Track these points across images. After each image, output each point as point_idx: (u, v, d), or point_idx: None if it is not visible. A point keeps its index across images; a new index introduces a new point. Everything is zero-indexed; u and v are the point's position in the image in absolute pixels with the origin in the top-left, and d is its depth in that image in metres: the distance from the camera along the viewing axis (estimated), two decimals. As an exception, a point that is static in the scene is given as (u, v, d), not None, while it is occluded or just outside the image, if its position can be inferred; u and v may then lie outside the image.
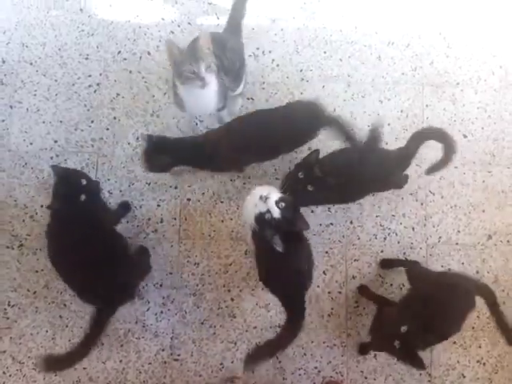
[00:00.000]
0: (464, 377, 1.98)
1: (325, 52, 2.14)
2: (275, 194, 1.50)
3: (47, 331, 1.91)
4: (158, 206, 2.01)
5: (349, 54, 2.14)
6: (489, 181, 2.10)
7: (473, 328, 2.00)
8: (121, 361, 1.92)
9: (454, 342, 1.98)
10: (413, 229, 2.04)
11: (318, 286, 1.99)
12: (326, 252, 2.01)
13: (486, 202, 2.08)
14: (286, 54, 2.13)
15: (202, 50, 1.60)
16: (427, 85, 2.15)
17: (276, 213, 1.46)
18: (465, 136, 2.12)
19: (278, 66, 2.11)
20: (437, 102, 2.14)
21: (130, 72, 2.07)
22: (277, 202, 1.48)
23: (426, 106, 2.13)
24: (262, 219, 1.48)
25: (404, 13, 2.19)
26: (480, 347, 1.99)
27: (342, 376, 1.95)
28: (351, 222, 2.04)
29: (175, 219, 2.00)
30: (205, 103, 1.73)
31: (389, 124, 2.11)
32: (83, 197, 1.61)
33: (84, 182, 1.65)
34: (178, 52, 1.60)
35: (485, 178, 2.10)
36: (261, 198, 1.48)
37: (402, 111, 2.13)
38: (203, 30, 1.65)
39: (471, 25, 2.20)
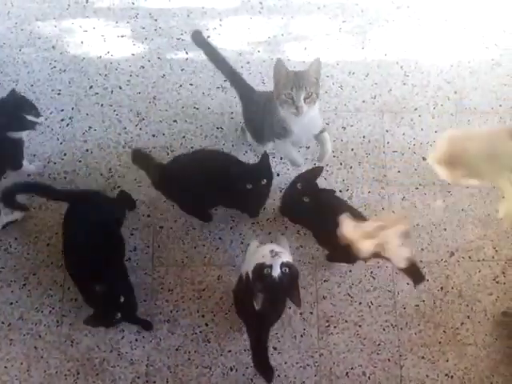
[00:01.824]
0: (433, 391, 2.04)
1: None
2: (286, 257, 1.50)
3: (22, 363, 1.92)
4: (132, 234, 2.06)
5: (313, 84, 2.26)
6: (449, 200, 2.21)
7: (439, 343, 2.07)
8: (97, 391, 1.94)
9: (423, 357, 2.05)
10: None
11: (290, 308, 2.04)
12: (297, 274, 2.08)
13: (446, 220, 2.19)
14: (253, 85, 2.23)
15: (309, 78, 1.59)
16: (387, 111, 2.27)
17: (276, 272, 1.45)
18: (424, 159, 2.23)
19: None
20: (396, 128, 2.26)
21: (102, 105, 2.15)
22: (282, 264, 1.47)
23: (386, 131, 2.25)
24: (260, 270, 1.47)
25: (362, 44, 2.33)
26: (447, 361, 2.06)
27: (315, 396, 2.00)
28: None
29: (148, 247, 2.05)
30: (312, 124, 1.74)
31: (352, 149, 2.22)
32: None
33: None
34: (284, 73, 1.60)
35: (445, 197, 2.21)
36: (271, 251, 1.48)
37: (364, 137, 2.24)
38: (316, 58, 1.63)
39: (425, 53, 2.35)
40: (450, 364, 2.06)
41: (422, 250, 2.15)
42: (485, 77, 2.35)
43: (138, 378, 1.95)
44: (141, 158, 1.84)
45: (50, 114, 2.13)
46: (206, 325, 2.01)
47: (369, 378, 2.02)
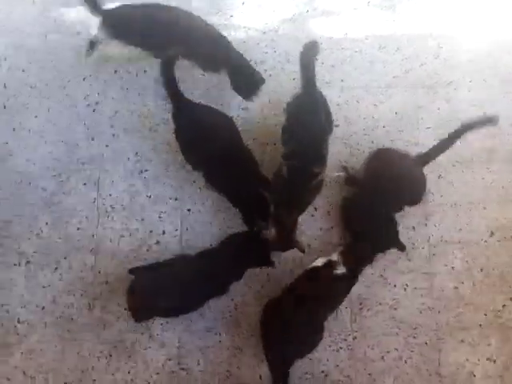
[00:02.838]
0: (474, 375, 1.95)
1: (316, 59, 2.17)
2: None
3: (56, 346, 1.95)
4: (159, 217, 2.05)
5: (340, 61, 2.18)
6: (488, 177, 2.09)
7: (480, 325, 1.98)
8: (129, 372, 1.94)
9: (462, 341, 1.96)
10: (413, 228, 2.04)
11: (322, 290, 2.00)
12: (328, 256, 2.03)
13: (486, 198, 2.07)
14: (277, 64, 2.17)
15: None
16: (420, 86, 2.17)
17: None
18: (461, 134, 2.12)
19: (270, 75, 2.15)
20: (430, 103, 2.16)
21: (127, 89, 2.14)
22: None
23: (419, 107, 2.15)
24: None
25: (392, 17, 2.23)
26: (489, 345, 1.97)
27: (350, 380, 1.94)
28: (349, 226, 2.05)
29: (177, 230, 2.04)
30: None
31: (384, 126, 2.13)
32: None
33: None
34: None
35: (484, 174, 2.10)
36: None
37: (396, 113, 2.15)
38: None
39: (460, 25, 2.23)
40: (493, 348, 1.97)
41: (461, 229, 2.05)
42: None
43: (170, 359, 1.95)
44: None
45: (77, 100, 2.13)
46: (235, 308, 1.98)
47: (405, 362, 1.95)
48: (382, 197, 1.86)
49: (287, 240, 1.86)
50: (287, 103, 1.83)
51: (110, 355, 1.95)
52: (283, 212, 1.81)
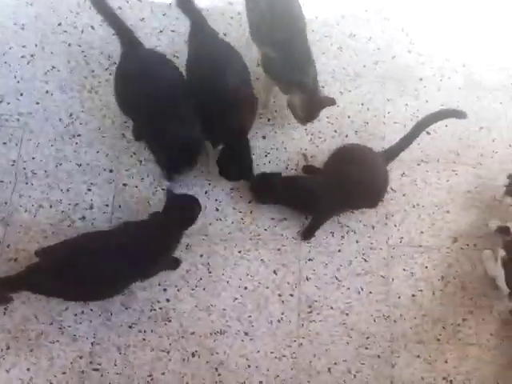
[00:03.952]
0: (429, 396, 1.74)
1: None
2: None
3: None
4: (89, 190, 1.77)
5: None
6: (453, 180, 1.96)
7: (438, 340, 1.79)
8: (28, 369, 1.60)
9: (418, 356, 1.76)
10: (373, 227, 1.86)
11: (268, 288, 1.76)
12: (278, 249, 1.80)
13: (450, 202, 1.93)
14: (241, 39, 1.99)
15: None
16: (389, 79, 2.05)
17: None
18: (428, 133, 1.98)
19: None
20: (399, 97, 2.03)
21: (69, 45, 1.90)
22: None
23: (388, 100, 2.02)
24: None
25: (366, 6, 2.12)
26: (446, 362, 1.77)
27: (290, 393, 1.68)
28: (306, 218, 1.84)
29: (107, 206, 1.76)
30: None
31: (349, 116, 1.98)
32: None
33: None
34: None
35: (449, 177, 1.96)
36: None
37: (362, 104, 2.00)
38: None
39: (434, 21, 2.14)
40: (450, 366, 1.77)
41: (422, 232, 1.88)
42: (497, 52, 2.14)
43: (81, 357, 1.63)
44: None
45: (10, 49, 1.86)
46: (168, 300, 1.71)
47: (354, 376, 1.72)
48: (341, 195, 1.73)
49: (318, 100, 1.74)
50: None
51: (8, 347, 1.61)
52: (297, 77, 1.68)
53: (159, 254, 1.56)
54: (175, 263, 1.72)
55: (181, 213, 1.58)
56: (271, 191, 1.76)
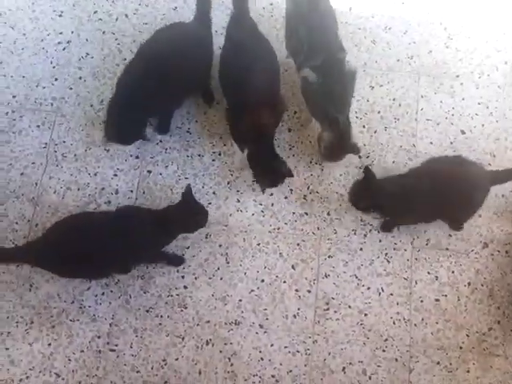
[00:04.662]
0: (446, 405, 1.68)
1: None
2: None
3: (-30, 302, 1.68)
4: (115, 175, 1.81)
5: (341, 35, 1.98)
6: (488, 183, 1.87)
7: (460, 348, 1.71)
8: (49, 344, 1.66)
9: (438, 363, 1.70)
10: (397, 227, 1.80)
11: (285, 282, 1.74)
12: (298, 244, 1.78)
13: (482, 205, 1.84)
14: (273, 30, 1.98)
15: None
16: (424, 74, 1.97)
17: None
18: (463, 132, 1.91)
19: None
20: (433, 94, 1.95)
21: (104, 33, 1.94)
22: None
23: (422, 96, 1.95)
24: None
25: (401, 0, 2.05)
26: (468, 371, 1.69)
27: (302, 389, 1.66)
28: (328, 214, 1.81)
29: (132, 191, 1.80)
30: None
31: (379, 112, 1.92)
32: None
33: None
34: None
35: (483, 179, 1.87)
36: None
37: (394, 99, 1.94)
38: None
39: (474, 16, 2.05)
40: (471, 376, 1.69)
41: (450, 236, 1.81)
42: (543, 50, 2.02)
43: (99, 337, 1.67)
44: None
45: (48, 35, 1.93)
46: (185, 287, 1.72)
47: (369, 377, 1.68)
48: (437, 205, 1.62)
49: (344, 143, 1.70)
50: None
51: (32, 322, 1.67)
52: (333, 113, 1.65)
53: (146, 246, 1.59)
54: (179, 260, 1.73)
55: (185, 218, 1.57)
56: (373, 195, 1.64)
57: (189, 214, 1.57)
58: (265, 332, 1.70)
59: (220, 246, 1.76)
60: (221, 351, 1.68)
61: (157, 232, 1.54)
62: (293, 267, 1.76)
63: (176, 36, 1.68)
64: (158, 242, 1.61)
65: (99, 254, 1.50)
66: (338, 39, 1.74)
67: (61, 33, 1.94)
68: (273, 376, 1.67)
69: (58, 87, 1.88)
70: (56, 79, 1.89)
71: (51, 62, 1.90)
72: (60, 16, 1.96)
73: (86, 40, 1.93)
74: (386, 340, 1.71)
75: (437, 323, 1.73)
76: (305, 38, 1.68)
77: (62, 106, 1.86)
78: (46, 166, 1.80)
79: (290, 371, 1.68)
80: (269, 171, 1.68)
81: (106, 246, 1.49)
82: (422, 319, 1.73)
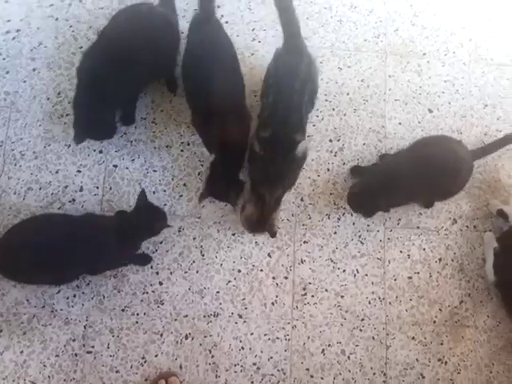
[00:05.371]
0: (423, 377, 1.73)
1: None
2: None
3: None
4: (78, 171, 1.73)
5: (307, 15, 1.94)
6: (455, 160, 1.90)
7: (434, 322, 1.77)
8: (22, 352, 1.60)
9: (413, 338, 1.75)
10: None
11: (262, 270, 1.73)
12: (272, 232, 1.77)
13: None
14: (236, 11, 1.90)
15: None
16: (391, 54, 1.96)
17: None
18: (430, 111, 1.92)
19: (227, 22, 1.88)
20: (401, 73, 1.95)
21: (57, 19, 1.81)
22: None
23: (389, 76, 1.94)
24: None
25: (368, -24, 2.01)
26: (442, 344, 1.76)
27: (284, 374, 1.68)
28: (302, 199, 1.80)
29: (97, 188, 1.72)
30: None
31: (347, 94, 1.90)
32: None
33: None
34: None
35: (450, 157, 1.90)
36: None
37: (362, 81, 1.92)
38: None
39: (439, -6, 2.04)
40: (445, 348, 1.76)
41: (420, 214, 1.84)
42: (505, 25, 2.04)
43: (73, 340, 1.63)
44: None
45: (-6, 23, 1.79)
46: (160, 283, 1.69)
47: (348, 357, 1.72)
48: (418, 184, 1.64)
49: (262, 222, 1.57)
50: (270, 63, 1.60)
51: (1, 330, 1.61)
52: (264, 190, 1.54)
53: (108, 255, 1.54)
54: (146, 260, 1.69)
55: (142, 224, 1.51)
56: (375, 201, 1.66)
57: (146, 220, 1.52)
58: (244, 321, 1.70)
59: (194, 238, 1.73)
60: (201, 344, 1.67)
61: (118, 242, 1.49)
62: (269, 255, 1.75)
63: (139, 17, 1.58)
64: (120, 251, 1.56)
65: (56, 262, 1.44)
66: (304, 120, 1.60)
67: (8, 20, 1.79)
68: (254, 364, 1.68)
69: (10, 80, 1.75)
70: (7, 72, 1.76)
71: (0, 54, 1.77)
72: (6, 2, 1.81)
73: (38, 28, 1.80)
74: (363, 320, 1.74)
75: (410, 300, 1.77)
76: (270, 104, 1.56)
77: (17, 100, 1.74)
78: (4, 165, 1.70)
79: (271, 358, 1.69)
80: (220, 184, 1.59)
81: (64, 253, 1.44)
82: (396, 297, 1.77)
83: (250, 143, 1.59)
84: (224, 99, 1.53)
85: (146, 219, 1.52)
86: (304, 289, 1.74)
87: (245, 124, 1.62)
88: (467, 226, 1.85)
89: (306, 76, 1.55)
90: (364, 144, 1.87)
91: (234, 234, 1.75)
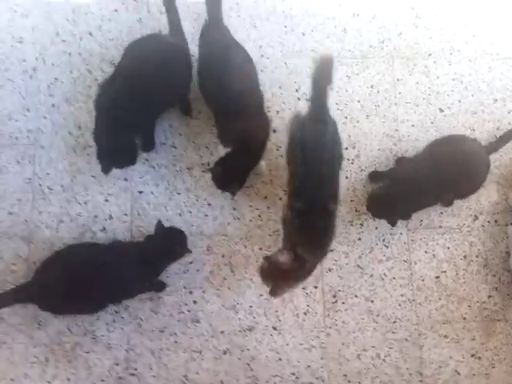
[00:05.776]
0: (459, 374, 1.77)
1: (285, 26, 1.96)
2: None
3: None
4: (106, 200, 1.78)
5: (311, 28, 1.97)
6: (470, 157, 1.93)
7: (464, 319, 1.80)
8: (69, 379, 1.66)
9: (445, 336, 1.78)
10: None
11: (291, 282, 1.78)
12: (298, 243, 1.81)
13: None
14: (242, 30, 1.94)
15: None
16: (397, 57, 1.99)
17: None
18: (441, 110, 1.95)
19: (234, 42, 1.92)
20: (409, 76, 1.98)
21: (70, 54, 1.86)
22: None
23: (398, 79, 1.97)
24: None
25: (368, -18, 2.05)
26: (474, 339, 1.79)
27: (322, 381, 1.72)
28: (324, 209, 1.84)
29: (126, 215, 1.77)
30: None
31: (358, 101, 1.94)
32: None
33: None
34: None
35: (466, 154, 1.93)
36: None
37: (371, 87, 1.95)
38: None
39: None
40: (477, 343, 1.79)
41: (441, 213, 1.87)
42: (507, 18, 2.06)
43: (117, 364, 1.68)
44: None
45: (11, 65, 1.84)
46: (195, 302, 1.74)
47: (383, 360, 1.75)
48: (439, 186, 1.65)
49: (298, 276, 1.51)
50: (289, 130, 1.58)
51: (47, 360, 1.67)
52: (305, 252, 1.48)
53: (133, 280, 1.60)
54: (161, 286, 1.73)
55: (164, 246, 1.59)
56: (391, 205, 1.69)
57: (167, 245, 1.59)
58: (279, 333, 1.74)
59: (223, 256, 1.77)
60: (239, 358, 1.71)
61: (142, 267, 1.56)
62: (296, 266, 1.79)
63: (152, 50, 1.63)
64: (145, 276, 1.62)
65: (89, 289, 1.51)
66: (334, 189, 1.54)
67: (24, 60, 1.85)
68: (292, 373, 1.73)
69: (31, 118, 1.81)
70: (28, 110, 1.81)
71: (20, 93, 1.82)
72: (20, 42, 1.86)
73: (52, 64, 1.85)
74: (394, 322, 1.78)
75: (440, 299, 1.81)
76: (300, 176, 1.52)
77: (39, 137, 1.80)
78: (34, 201, 1.76)
79: (308, 366, 1.73)
80: (228, 174, 1.62)
81: (96, 281, 1.51)
82: (426, 297, 1.80)
83: (283, 210, 1.59)
84: (243, 96, 1.59)
85: (168, 242, 1.59)
86: (334, 296, 1.78)
87: (264, 124, 1.68)
88: (488, 222, 1.88)
89: (332, 145, 1.54)
90: (379, 149, 1.90)
91: (260, 249, 1.79)
